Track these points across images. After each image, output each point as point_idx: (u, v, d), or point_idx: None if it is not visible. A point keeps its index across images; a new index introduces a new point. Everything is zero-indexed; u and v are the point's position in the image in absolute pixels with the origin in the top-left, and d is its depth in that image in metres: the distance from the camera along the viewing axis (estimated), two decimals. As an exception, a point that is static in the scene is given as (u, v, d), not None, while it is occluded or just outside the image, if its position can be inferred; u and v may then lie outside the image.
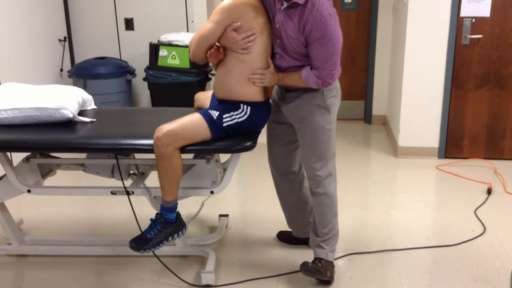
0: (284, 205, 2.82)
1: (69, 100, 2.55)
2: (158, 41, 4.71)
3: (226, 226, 3.10)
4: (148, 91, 4.88)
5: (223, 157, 2.69)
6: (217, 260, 2.70)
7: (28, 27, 4.35)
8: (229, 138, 2.35)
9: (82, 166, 2.66)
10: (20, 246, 2.80)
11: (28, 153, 2.64)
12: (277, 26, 2.27)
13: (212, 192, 2.54)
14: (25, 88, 2.69)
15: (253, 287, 2.53)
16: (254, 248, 2.89)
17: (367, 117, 5.46)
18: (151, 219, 2.39)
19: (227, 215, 3.15)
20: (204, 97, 2.64)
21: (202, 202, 2.81)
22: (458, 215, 3.27)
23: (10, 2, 4.08)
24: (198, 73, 4.64)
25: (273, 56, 2.38)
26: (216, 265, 2.66)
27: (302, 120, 2.42)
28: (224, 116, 2.32)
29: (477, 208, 3.35)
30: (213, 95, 2.49)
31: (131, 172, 2.69)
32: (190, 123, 2.28)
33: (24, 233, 3.04)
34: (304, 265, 2.47)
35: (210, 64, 3.80)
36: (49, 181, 2.79)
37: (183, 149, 2.29)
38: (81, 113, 2.71)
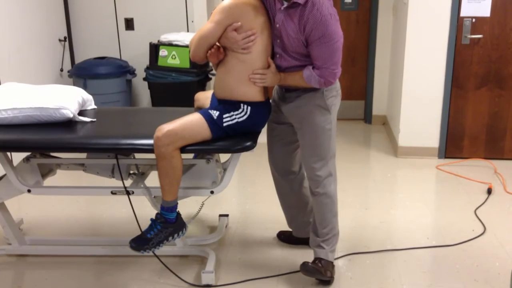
0: (284, 205, 2.82)
1: (69, 100, 2.55)
2: (158, 41, 4.71)
3: (226, 226, 3.10)
4: (148, 91, 4.88)
5: (223, 157, 2.69)
6: (217, 260, 2.70)
7: (28, 27, 4.35)
8: (229, 138, 2.35)
9: (82, 166, 2.66)
10: (20, 246, 2.80)
11: (28, 153, 2.64)
12: (277, 26, 2.27)
13: (212, 192, 2.54)
14: (25, 88, 2.69)
15: (253, 287, 2.53)
16: (254, 248, 2.89)
17: (367, 117, 5.46)
18: (151, 219, 2.39)
19: (227, 215, 3.15)
20: (204, 97, 2.64)
21: (202, 202, 2.81)
22: (458, 215, 3.27)
23: (10, 2, 4.08)
24: (198, 73, 4.64)
25: (273, 56, 2.38)
26: (216, 265, 2.66)
27: (302, 120, 2.42)
28: (224, 116, 2.32)
29: (477, 208, 3.35)
30: (213, 95, 2.49)
31: (131, 172, 2.69)
32: (190, 123, 2.28)
33: (24, 233, 3.04)
34: (304, 265, 2.47)
35: (210, 64, 3.80)
36: (49, 181, 2.79)
37: (183, 149, 2.29)
38: (81, 113, 2.71)
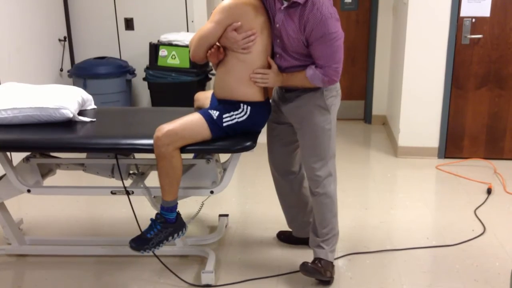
0: (284, 205, 2.82)
1: (69, 100, 2.55)
2: (158, 41, 4.71)
3: (226, 226, 3.10)
4: (148, 91, 4.88)
5: (223, 157, 2.69)
6: (217, 260, 2.70)
7: (28, 27, 4.35)
8: (229, 138, 2.35)
9: (82, 166, 2.66)
10: (20, 246, 2.80)
11: (28, 153, 2.64)
12: (277, 25, 2.27)
13: (212, 192, 2.54)
14: (25, 88, 2.69)
15: (253, 287, 2.53)
16: (254, 248, 2.89)
17: (367, 117, 5.46)
18: (151, 219, 2.39)
19: (227, 215, 3.15)
20: (204, 97, 2.64)
21: (202, 202, 2.81)
22: (458, 215, 3.27)
23: (10, 2, 4.08)
24: (198, 73, 4.63)
25: (272, 55, 2.38)
26: (216, 265, 2.66)
27: (302, 120, 2.42)
28: (224, 116, 2.32)
29: (477, 208, 3.35)
30: (213, 95, 2.49)
31: (131, 172, 2.69)
32: (190, 123, 2.28)
33: (24, 233, 3.04)
34: (304, 265, 2.47)
35: (210, 64, 3.80)
36: (49, 181, 2.79)
37: (183, 149, 2.29)
38: (81, 113, 2.71)
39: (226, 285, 2.53)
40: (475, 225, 3.13)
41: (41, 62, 4.60)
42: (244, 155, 2.43)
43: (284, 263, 2.71)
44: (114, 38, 5.08)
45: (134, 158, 2.66)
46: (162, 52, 4.64)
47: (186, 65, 4.60)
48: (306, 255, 2.67)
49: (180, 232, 2.42)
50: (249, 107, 2.33)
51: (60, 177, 2.92)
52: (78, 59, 5.05)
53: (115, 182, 2.61)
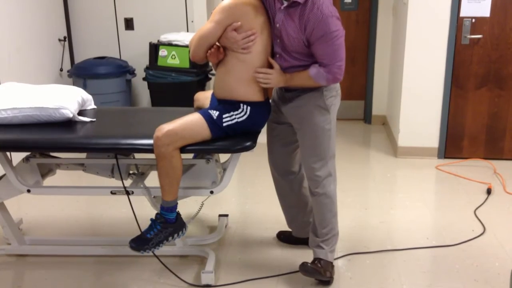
0: (284, 205, 2.82)
1: (69, 100, 2.55)
2: (158, 41, 4.71)
3: (226, 226, 3.10)
4: (148, 91, 4.88)
5: (223, 157, 2.69)
6: (217, 260, 2.70)
7: (28, 27, 4.35)
8: (229, 138, 2.35)
9: (82, 166, 2.66)
10: (20, 246, 2.80)
11: (28, 153, 2.63)
12: (278, 25, 2.27)
13: (212, 192, 2.54)
14: (25, 88, 2.69)
15: (252, 287, 2.53)
16: (254, 248, 2.89)
17: (367, 117, 5.46)
18: (151, 219, 2.39)
19: (227, 215, 3.15)
20: (204, 97, 2.64)
21: (202, 202, 2.81)
22: (458, 215, 3.27)
23: (10, 2, 4.08)
24: (198, 73, 4.63)
25: (272, 55, 2.38)
26: (216, 265, 2.66)
27: (302, 120, 2.42)
28: (224, 116, 2.32)
29: (476, 208, 3.35)
30: (213, 95, 2.49)
31: (131, 172, 2.69)
32: (190, 123, 2.28)
33: (24, 233, 3.04)
34: (304, 265, 2.47)
35: (210, 64, 3.80)
36: (48, 181, 2.79)
37: (183, 149, 2.29)
38: (81, 113, 2.71)
39: (226, 285, 2.53)
40: (475, 225, 3.13)
41: (41, 62, 4.60)
42: (244, 155, 2.43)
43: (284, 263, 2.71)
44: (114, 38, 5.08)
45: (134, 158, 2.66)
46: (162, 52, 4.64)
47: (186, 65, 4.60)
48: (306, 255, 2.67)
49: (180, 232, 2.42)
50: (249, 107, 2.33)
51: (60, 177, 2.92)
52: (78, 59, 5.05)
53: (115, 182, 2.61)
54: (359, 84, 5.41)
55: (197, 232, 3.09)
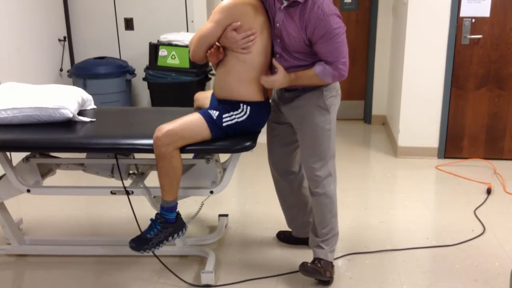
0: (284, 205, 2.82)
1: (68, 100, 2.55)
2: (158, 41, 4.71)
3: (225, 226, 3.10)
4: (147, 91, 4.88)
5: (223, 157, 2.69)
6: (216, 260, 2.70)
7: (28, 27, 4.35)
8: (229, 138, 2.35)
9: (81, 166, 2.66)
10: (20, 246, 2.80)
11: (28, 153, 2.63)
12: (278, 25, 2.27)
13: (211, 192, 2.54)
14: (25, 88, 2.69)
15: (252, 287, 2.53)
16: (254, 248, 2.89)
17: (367, 117, 5.46)
18: (151, 219, 2.39)
19: (226, 215, 3.15)
20: (203, 97, 2.64)
21: (202, 202, 2.81)
22: (458, 215, 3.27)
23: (10, 2, 4.08)
24: (198, 73, 4.64)
25: (272, 55, 2.38)
26: (216, 265, 2.66)
27: (302, 120, 2.42)
28: (224, 116, 2.32)
29: (476, 208, 3.35)
30: (212, 95, 2.49)
31: (131, 172, 2.69)
32: (190, 123, 2.28)
33: (24, 233, 3.04)
34: (303, 265, 2.47)
35: (210, 64, 3.80)
36: (48, 181, 2.79)
37: (183, 149, 2.29)
38: (81, 113, 2.71)
39: (226, 285, 2.53)
40: (474, 225, 3.13)
41: (41, 62, 4.60)
42: (244, 155, 2.43)
43: (284, 263, 2.71)
44: (114, 38, 5.08)
45: (134, 158, 2.66)
46: (162, 52, 4.64)
47: (186, 65, 4.60)
48: (305, 255, 2.67)
49: (180, 232, 2.42)
50: (248, 107, 2.33)
51: (60, 177, 2.92)
52: (78, 59, 5.05)
53: (115, 182, 2.61)
54: (359, 84, 5.41)
55: (197, 232, 3.09)
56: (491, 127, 4.21)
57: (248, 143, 2.33)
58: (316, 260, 2.50)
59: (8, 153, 2.65)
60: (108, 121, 2.68)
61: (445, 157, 4.31)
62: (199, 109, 2.42)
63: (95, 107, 2.86)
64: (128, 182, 2.63)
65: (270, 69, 2.39)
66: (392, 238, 2.98)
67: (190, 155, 2.56)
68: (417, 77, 4.17)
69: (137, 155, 2.62)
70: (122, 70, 4.76)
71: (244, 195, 3.67)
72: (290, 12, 2.23)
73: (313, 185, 2.47)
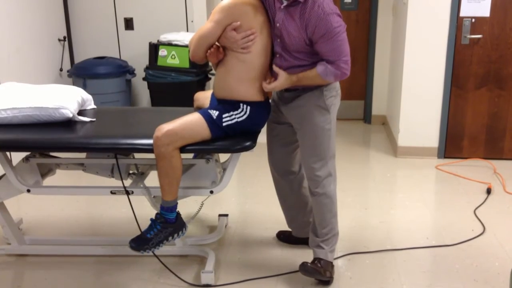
0: (284, 205, 2.82)
1: (68, 99, 2.55)
2: (158, 40, 4.71)
3: (225, 226, 3.10)
4: (147, 91, 4.88)
5: (223, 157, 2.69)
6: (216, 260, 2.70)
7: (28, 27, 4.35)
8: (228, 138, 2.35)
9: (81, 165, 2.66)
10: (20, 246, 2.80)
11: (28, 153, 2.63)
12: (278, 25, 2.27)
13: (211, 192, 2.54)
14: (25, 88, 2.69)
15: (252, 287, 2.53)
16: (254, 248, 2.89)
17: (367, 117, 5.46)
18: (151, 219, 2.39)
19: (226, 215, 3.15)
20: (203, 97, 2.64)
21: (202, 202, 2.81)
22: (458, 215, 3.27)
23: (10, 2, 4.08)
24: (198, 73, 4.63)
25: (272, 55, 2.38)
26: (216, 265, 2.66)
27: (302, 120, 2.42)
28: (224, 115, 2.32)
29: (476, 208, 3.35)
30: (212, 94, 2.49)
31: (131, 171, 2.69)
32: (189, 122, 2.28)
33: (24, 233, 3.04)
34: (303, 265, 2.47)
35: (210, 63, 3.80)
36: (48, 180, 2.78)
37: (183, 149, 2.29)
38: (81, 112, 2.71)
39: (225, 285, 2.53)
40: (474, 225, 3.13)
41: (41, 62, 4.60)
42: (244, 155, 2.43)
43: (284, 263, 2.71)
44: (114, 38, 5.08)
45: (133, 158, 2.66)
46: (162, 52, 4.64)
47: (186, 65, 4.60)
48: (305, 255, 2.67)
49: (180, 232, 2.42)
50: (248, 107, 2.33)
51: (59, 177, 2.92)
52: (78, 59, 5.05)
53: (115, 182, 2.61)
54: (359, 84, 5.41)
55: (197, 232, 3.09)
56: (491, 127, 4.21)
57: (248, 143, 2.33)
58: (316, 260, 2.50)
59: (8, 153, 2.65)
60: (108, 121, 2.68)
61: (445, 157, 4.31)
62: (199, 109, 2.42)
63: (95, 107, 2.86)
64: (128, 182, 2.63)
65: (270, 69, 2.39)
66: (392, 238, 2.98)
67: (190, 155, 2.56)
68: (417, 77, 4.17)
69: (137, 155, 2.62)
70: (122, 70, 4.76)
71: (244, 195, 3.67)
72: (290, 12, 2.23)
73: (313, 185, 2.47)
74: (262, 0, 2.30)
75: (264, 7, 2.30)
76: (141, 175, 2.68)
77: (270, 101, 2.51)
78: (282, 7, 2.24)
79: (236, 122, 2.33)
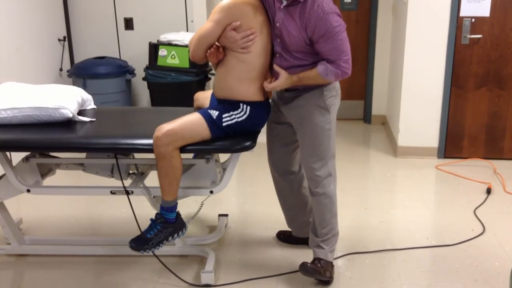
0: (284, 205, 2.82)
1: (68, 99, 2.55)
2: (158, 40, 4.71)
3: (225, 226, 3.10)
4: (147, 91, 4.88)
5: (223, 157, 2.69)
6: (216, 260, 2.70)
7: (28, 27, 4.35)
8: (228, 138, 2.35)
9: (81, 165, 2.66)
10: (20, 246, 2.80)
11: (28, 153, 2.63)
12: (278, 25, 2.27)
13: (211, 192, 2.54)
14: (25, 88, 2.69)
15: (252, 287, 2.53)
16: (254, 248, 2.89)
17: (367, 117, 5.46)
18: (151, 219, 2.39)
19: (226, 215, 3.15)
20: (203, 97, 2.64)
21: (202, 202, 2.81)
22: (458, 215, 3.27)
23: (10, 2, 4.08)
24: (198, 73, 4.63)
25: (272, 55, 2.38)
26: (216, 264, 2.66)
27: (302, 120, 2.42)
28: (224, 115, 2.32)
29: (476, 208, 3.35)
30: (212, 94, 2.49)
31: (131, 171, 2.69)
32: (189, 122, 2.28)
33: (24, 233, 3.04)
34: (303, 265, 2.47)
35: (210, 63, 3.80)
36: (48, 180, 2.78)
37: (182, 149, 2.29)
38: (81, 112, 2.71)
39: (225, 285, 2.53)
40: (474, 225, 3.13)
41: (41, 62, 4.60)
42: (243, 155, 2.43)
43: (284, 263, 2.71)
44: (114, 38, 5.08)
45: (133, 158, 2.66)
46: (162, 52, 4.64)
47: (186, 65, 4.60)
48: (305, 255, 2.67)
49: (180, 232, 2.42)
50: (248, 107, 2.33)
51: (59, 177, 2.92)
52: (78, 59, 5.05)
53: (115, 182, 2.61)
54: (359, 84, 5.41)
55: (197, 232, 3.09)
56: (491, 126, 4.21)
57: (248, 143, 2.33)
58: (316, 260, 2.50)
59: (8, 153, 2.65)
60: (108, 121, 2.68)
61: (445, 157, 4.31)
62: (199, 109, 2.42)
63: (95, 107, 2.86)
64: (128, 182, 2.63)
65: (270, 69, 2.39)
66: (392, 238, 2.98)
67: (190, 155, 2.56)
68: (417, 77, 4.17)
69: (137, 155, 2.62)
70: (122, 70, 4.76)
71: (244, 195, 3.67)
72: (290, 11, 2.23)
73: (313, 185, 2.47)
74: (262, 0, 2.30)
75: (264, 7, 2.30)
76: (141, 175, 2.68)
77: (270, 101, 2.51)
78: (282, 7, 2.24)
79: (236, 122, 2.33)
